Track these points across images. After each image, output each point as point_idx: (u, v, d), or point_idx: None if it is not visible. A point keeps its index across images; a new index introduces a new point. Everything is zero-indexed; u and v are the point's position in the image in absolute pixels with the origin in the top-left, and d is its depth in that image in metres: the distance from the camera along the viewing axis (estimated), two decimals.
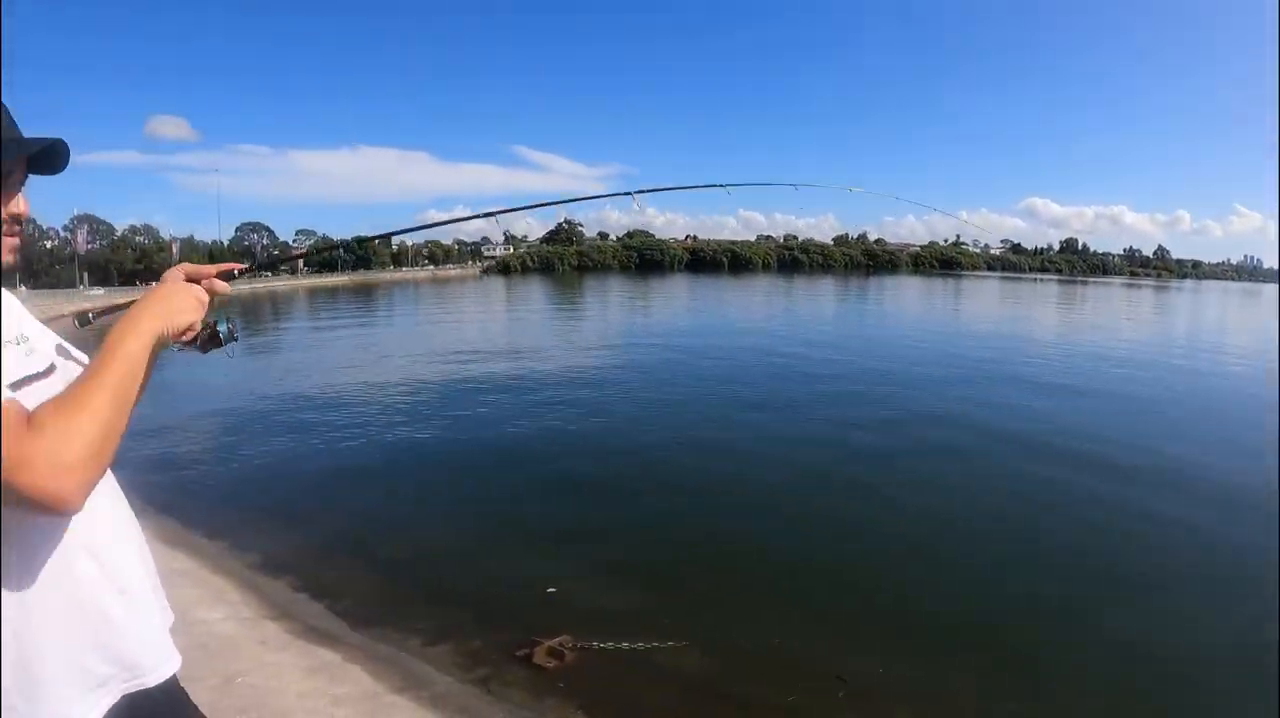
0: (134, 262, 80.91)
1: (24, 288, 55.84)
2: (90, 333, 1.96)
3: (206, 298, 1.74)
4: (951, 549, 8.36)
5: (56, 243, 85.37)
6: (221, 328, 1.83)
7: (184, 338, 1.72)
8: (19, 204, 1.58)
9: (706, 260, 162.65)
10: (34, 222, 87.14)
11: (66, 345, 1.79)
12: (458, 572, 7.48)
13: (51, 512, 1.34)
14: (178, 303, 1.65)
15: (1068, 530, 8.86)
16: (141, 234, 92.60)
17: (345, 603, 6.56)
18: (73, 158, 1.65)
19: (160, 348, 1.68)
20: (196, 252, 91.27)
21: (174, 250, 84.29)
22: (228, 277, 1.85)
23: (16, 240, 1.59)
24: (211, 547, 7.79)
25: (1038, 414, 14.79)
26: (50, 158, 1.63)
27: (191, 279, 1.78)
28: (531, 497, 9.98)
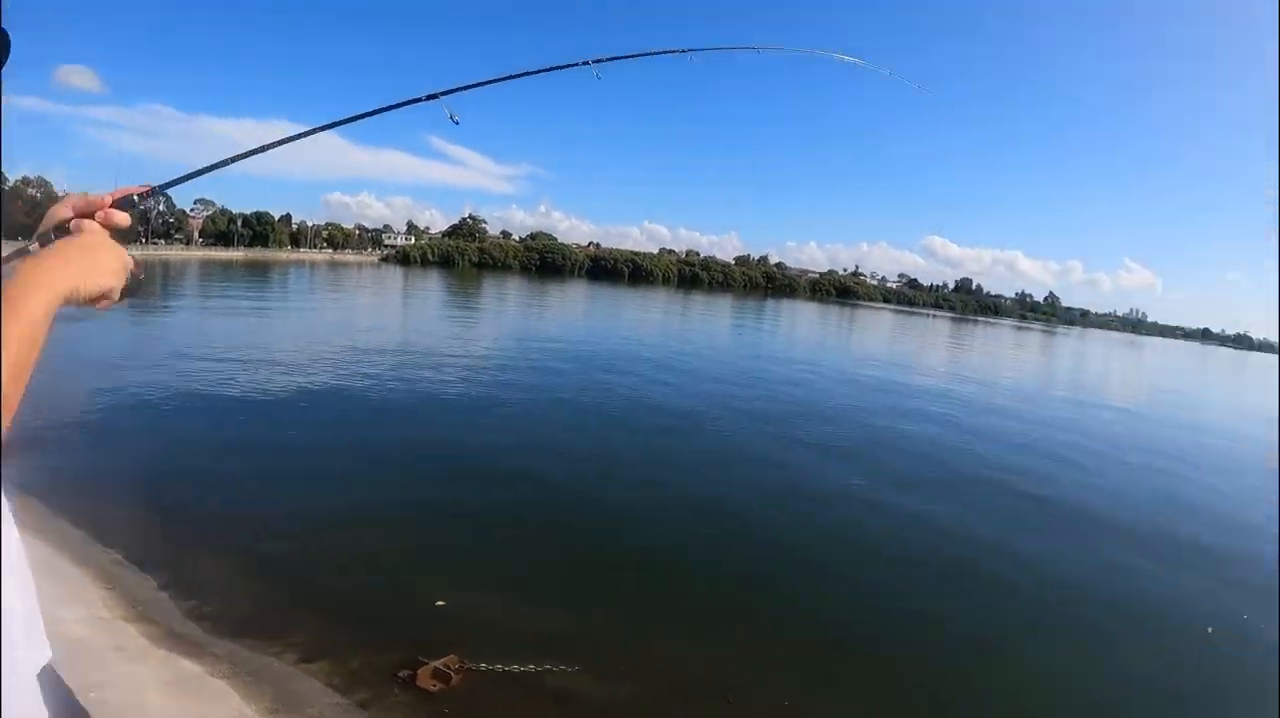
0: (24, 215, 76.47)
1: None
2: None
3: (130, 262, 1.46)
4: (840, 572, 8.53)
5: None
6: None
7: (97, 304, 1.44)
8: None
9: (608, 269, 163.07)
10: None
11: None
12: (340, 576, 7.04)
13: None
14: (99, 261, 1.36)
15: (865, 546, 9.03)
16: (34, 186, 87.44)
17: (214, 605, 6.09)
18: None
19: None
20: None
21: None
22: (126, 203, 1.56)
23: None
24: (75, 534, 7.16)
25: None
26: None
27: (83, 213, 1.50)
28: (427, 501, 9.57)
